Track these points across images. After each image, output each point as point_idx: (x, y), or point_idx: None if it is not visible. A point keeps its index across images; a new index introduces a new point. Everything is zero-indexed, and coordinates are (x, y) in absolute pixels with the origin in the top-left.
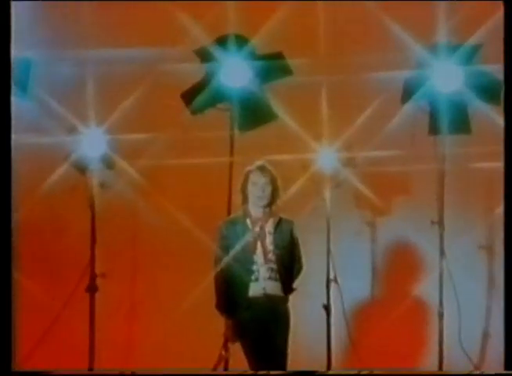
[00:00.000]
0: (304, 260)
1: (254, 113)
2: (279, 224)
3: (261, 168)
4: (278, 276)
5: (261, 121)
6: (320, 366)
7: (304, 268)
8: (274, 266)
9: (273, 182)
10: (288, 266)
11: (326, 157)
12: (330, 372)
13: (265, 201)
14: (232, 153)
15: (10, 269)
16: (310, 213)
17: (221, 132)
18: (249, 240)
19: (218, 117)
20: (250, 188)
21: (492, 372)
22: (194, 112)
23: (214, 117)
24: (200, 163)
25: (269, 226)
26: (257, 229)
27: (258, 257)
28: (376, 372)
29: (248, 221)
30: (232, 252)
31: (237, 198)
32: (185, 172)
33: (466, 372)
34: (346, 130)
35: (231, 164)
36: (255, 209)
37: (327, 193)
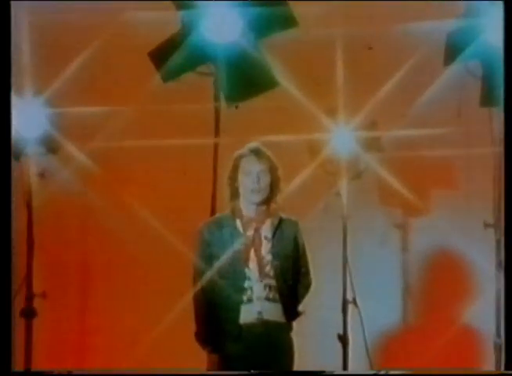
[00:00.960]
0: (312, 274)
1: (247, 79)
2: (279, 226)
3: (256, 152)
4: (278, 296)
5: (255, 89)
6: None
7: (313, 285)
8: (272, 283)
9: (272, 170)
10: (291, 283)
11: (341, 137)
12: (338, 372)
13: (260, 196)
14: (217, 133)
15: (10, 268)
16: (321, 212)
17: (203, 105)
18: (239, 247)
19: (198, 84)
20: (242, 178)
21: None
22: (167, 78)
23: (194, 85)
24: (174, 145)
25: (266, 230)
26: (250, 233)
27: (252, 270)
28: (392, 372)
29: (238, 222)
30: (218, 264)
31: (224, 192)
32: (154, 158)
33: (458, 372)
34: (368, 101)
35: (216, 147)
36: (248, 207)
37: (343, 186)
